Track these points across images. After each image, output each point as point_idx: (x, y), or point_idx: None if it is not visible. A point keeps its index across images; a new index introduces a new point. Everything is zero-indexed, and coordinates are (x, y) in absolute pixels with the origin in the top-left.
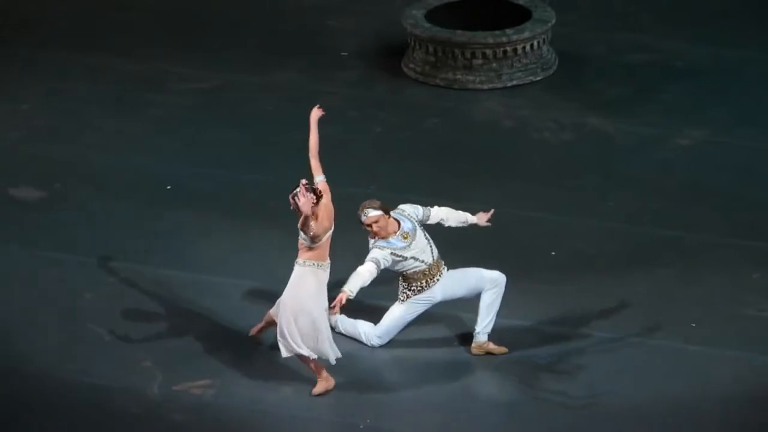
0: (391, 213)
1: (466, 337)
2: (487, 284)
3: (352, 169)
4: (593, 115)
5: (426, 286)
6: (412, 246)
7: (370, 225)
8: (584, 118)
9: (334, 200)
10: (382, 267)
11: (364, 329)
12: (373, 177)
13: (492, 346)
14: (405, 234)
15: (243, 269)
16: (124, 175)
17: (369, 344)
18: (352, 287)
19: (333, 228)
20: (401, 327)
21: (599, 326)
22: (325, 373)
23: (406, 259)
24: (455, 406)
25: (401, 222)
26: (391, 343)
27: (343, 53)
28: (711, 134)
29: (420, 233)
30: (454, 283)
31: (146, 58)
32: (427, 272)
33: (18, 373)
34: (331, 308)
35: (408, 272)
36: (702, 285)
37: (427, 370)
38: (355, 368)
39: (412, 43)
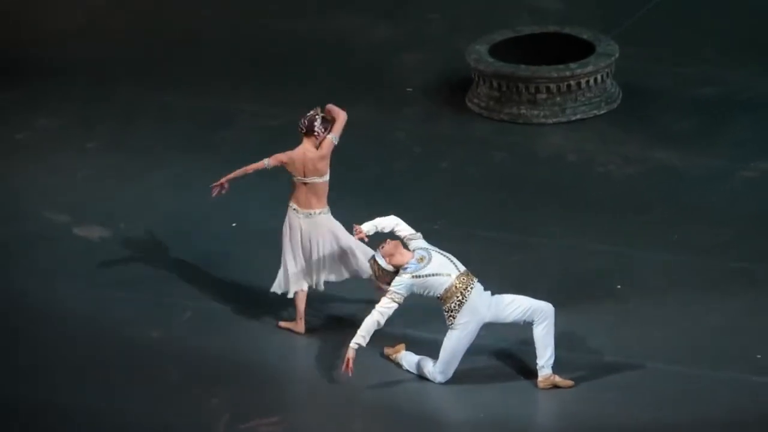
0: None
1: (532, 372)
2: (536, 315)
3: (419, 205)
4: (658, 148)
5: (463, 299)
6: (430, 264)
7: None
8: (649, 152)
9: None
10: (404, 296)
11: (428, 369)
12: (440, 212)
13: (558, 380)
14: (420, 257)
15: (312, 304)
16: (193, 213)
17: (435, 382)
18: (359, 338)
19: (307, 179)
20: (460, 356)
21: (666, 358)
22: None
23: (428, 276)
24: None
25: (414, 250)
26: (454, 379)
27: (408, 89)
28: None
29: (436, 253)
30: (501, 305)
31: (216, 95)
32: (457, 285)
33: (86, 412)
34: (343, 369)
35: (441, 294)
36: None
37: (494, 405)
38: (420, 405)
39: (476, 78)
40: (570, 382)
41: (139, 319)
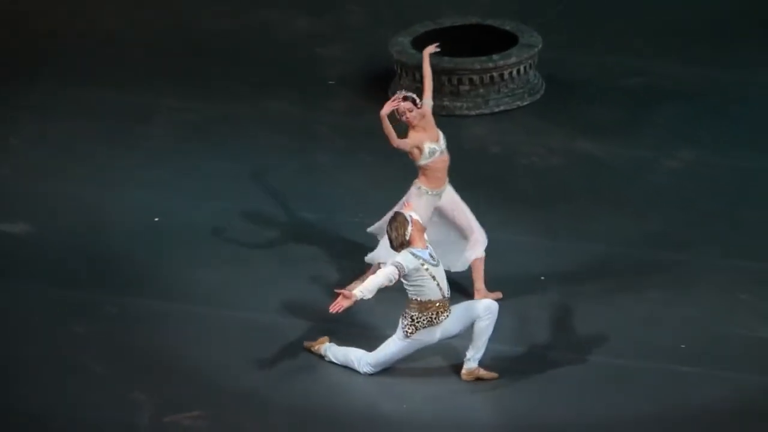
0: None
1: (458, 366)
2: (481, 312)
3: (342, 198)
4: (582, 139)
5: (435, 321)
6: (437, 269)
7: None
8: (573, 143)
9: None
10: (404, 273)
11: (356, 355)
12: (363, 205)
13: (482, 372)
14: (432, 256)
15: (235, 300)
16: (115, 207)
17: (360, 371)
18: (363, 289)
19: (441, 152)
20: (394, 362)
21: (590, 349)
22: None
23: (430, 277)
24: None
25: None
26: (381, 371)
27: (330, 82)
28: (702, 156)
29: (441, 266)
30: (449, 321)
31: (136, 90)
32: (438, 305)
33: (10, 411)
34: (332, 308)
35: (421, 300)
36: (692, 306)
37: (417, 397)
38: (344, 397)
39: (399, 71)
40: (494, 375)
41: (63, 314)
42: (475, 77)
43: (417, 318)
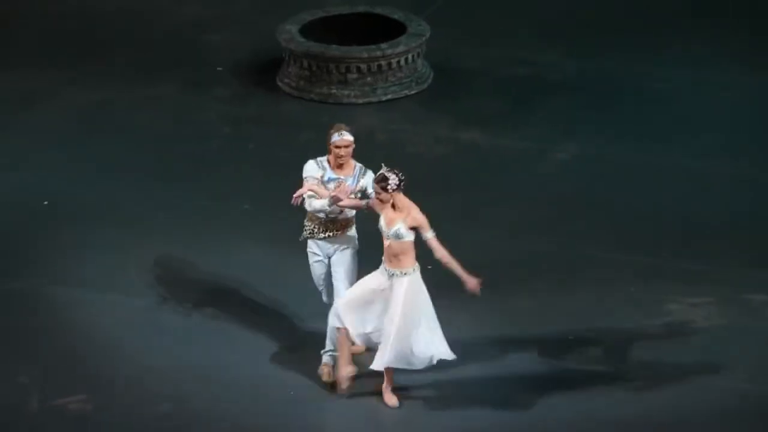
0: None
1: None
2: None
3: (228, 186)
4: (468, 129)
5: (314, 235)
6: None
7: (340, 147)
8: (459, 132)
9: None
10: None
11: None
12: (249, 194)
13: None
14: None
15: (122, 285)
16: (2, 189)
17: (334, 309)
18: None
19: (388, 238)
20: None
21: (472, 340)
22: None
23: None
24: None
25: (359, 174)
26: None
27: (218, 68)
28: (587, 147)
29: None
30: (337, 264)
31: (20, 74)
32: (320, 222)
33: None
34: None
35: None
36: (579, 298)
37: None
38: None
39: (287, 58)
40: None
41: None
42: (363, 66)
43: (305, 225)
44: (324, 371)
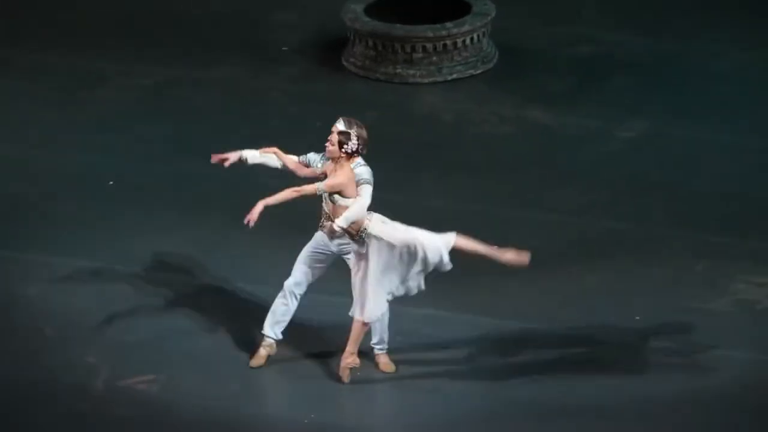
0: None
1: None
2: None
3: None
4: (534, 108)
5: (320, 227)
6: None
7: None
8: (525, 111)
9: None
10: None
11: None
12: None
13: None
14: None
15: (188, 265)
16: (66, 171)
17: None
18: (341, 222)
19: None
20: (306, 265)
21: (542, 320)
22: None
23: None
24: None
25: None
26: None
27: (283, 48)
28: (653, 126)
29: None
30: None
31: (85, 55)
32: (325, 217)
33: None
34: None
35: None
36: (646, 278)
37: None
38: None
39: (352, 38)
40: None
41: (13, 277)
42: (429, 45)
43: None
44: (381, 361)
